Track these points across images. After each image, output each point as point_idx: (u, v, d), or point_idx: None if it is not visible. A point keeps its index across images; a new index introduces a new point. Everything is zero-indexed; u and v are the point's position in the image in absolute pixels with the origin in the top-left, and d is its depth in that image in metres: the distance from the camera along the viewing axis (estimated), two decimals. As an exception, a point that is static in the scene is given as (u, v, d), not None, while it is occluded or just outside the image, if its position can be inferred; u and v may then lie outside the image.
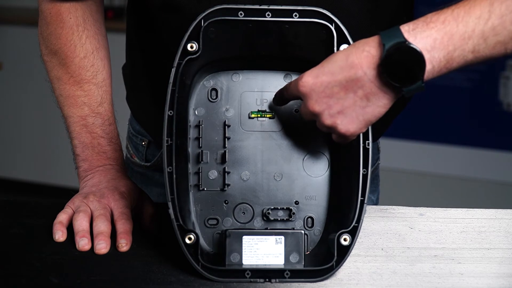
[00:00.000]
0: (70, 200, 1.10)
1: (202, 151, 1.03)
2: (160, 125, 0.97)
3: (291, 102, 1.03)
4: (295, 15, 0.99)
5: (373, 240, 1.07)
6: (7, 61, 3.78)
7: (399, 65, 0.89)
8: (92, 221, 1.05)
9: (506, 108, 3.13)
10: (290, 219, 1.02)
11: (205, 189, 1.02)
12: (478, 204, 1.89)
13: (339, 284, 0.96)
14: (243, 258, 0.97)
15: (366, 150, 0.98)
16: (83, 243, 1.02)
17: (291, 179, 1.03)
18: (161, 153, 1.26)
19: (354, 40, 0.96)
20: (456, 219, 1.15)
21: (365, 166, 0.98)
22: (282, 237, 0.98)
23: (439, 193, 3.27)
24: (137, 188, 1.14)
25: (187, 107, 1.02)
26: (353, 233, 0.96)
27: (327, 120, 0.94)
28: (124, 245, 1.02)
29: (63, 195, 1.35)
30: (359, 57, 0.91)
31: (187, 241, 0.95)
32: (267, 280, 0.95)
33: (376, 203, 1.37)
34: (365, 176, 0.98)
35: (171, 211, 0.96)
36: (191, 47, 0.98)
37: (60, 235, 1.04)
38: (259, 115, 1.04)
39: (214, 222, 1.02)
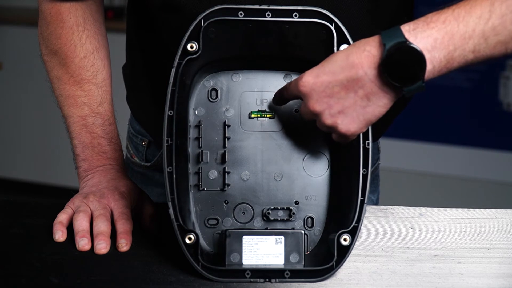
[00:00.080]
0: (70, 200, 1.10)
1: (202, 151, 1.02)
2: (160, 125, 0.97)
3: (291, 102, 1.03)
4: (295, 15, 0.99)
5: (373, 240, 1.07)
6: (7, 61, 3.77)
7: (400, 65, 0.89)
8: (92, 221, 1.05)
9: (506, 108, 3.13)
10: (290, 219, 1.02)
11: (205, 189, 1.02)
12: (478, 204, 1.89)
13: (339, 284, 0.96)
14: (243, 258, 0.97)
15: (366, 150, 0.98)
16: (83, 243, 1.02)
17: (291, 179, 1.03)
18: (161, 153, 1.26)
19: (354, 40, 0.96)
20: (456, 219, 1.15)
21: (365, 166, 0.98)
22: (282, 237, 0.98)
23: (439, 193, 3.27)
24: (137, 188, 1.14)
25: (187, 107, 1.02)
26: (353, 233, 0.96)
27: (328, 119, 0.94)
28: (124, 245, 1.02)
29: (63, 195, 1.35)
30: (359, 57, 0.91)
31: (187, 241, 0.95)
32: (267, 280, 0.95)
33: (376, 203, 1.37)
34: (365, 176, 0.98)
35: (171, 211, 0.95)
36: (191, 47, 0.98)
37: (60, 235, 1.04)
38: (259, 115, 1.04)
39: (214, 222, 1.02)
